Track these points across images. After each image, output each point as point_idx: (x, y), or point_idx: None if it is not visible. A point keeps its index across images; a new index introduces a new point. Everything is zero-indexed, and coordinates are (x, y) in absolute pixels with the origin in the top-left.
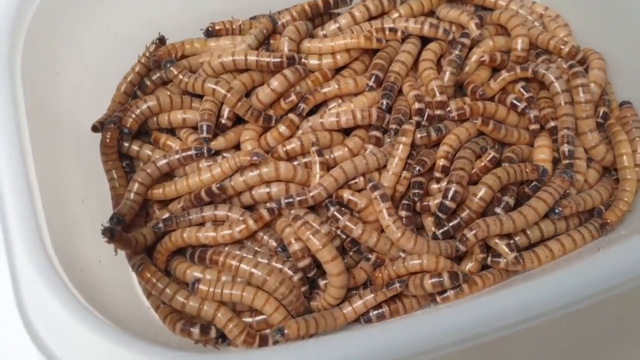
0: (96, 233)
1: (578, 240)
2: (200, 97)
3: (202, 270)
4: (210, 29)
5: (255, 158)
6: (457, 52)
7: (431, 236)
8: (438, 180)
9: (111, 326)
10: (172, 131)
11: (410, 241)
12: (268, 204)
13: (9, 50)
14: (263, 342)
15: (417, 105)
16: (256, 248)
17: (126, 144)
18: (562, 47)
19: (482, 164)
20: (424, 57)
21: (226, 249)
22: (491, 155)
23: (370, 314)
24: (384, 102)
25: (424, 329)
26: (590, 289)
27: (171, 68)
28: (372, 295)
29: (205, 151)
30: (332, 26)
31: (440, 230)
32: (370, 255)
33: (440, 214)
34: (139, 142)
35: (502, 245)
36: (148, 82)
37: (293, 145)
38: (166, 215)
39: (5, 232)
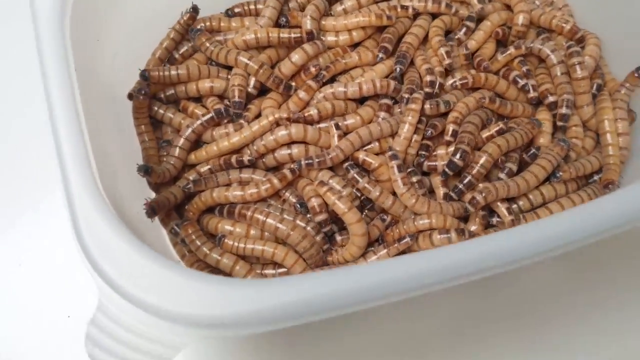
0: (133, 187)
1: (577, 201)
2: (225, 67)
3: (232, 224)
4: (229, 12)
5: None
6: (461, 33)
7: (442, 195)
8: (448, 144)
9: (154, 252)
10: (199, 101)
11: (424, 205)
12: (290, 165)
13: (60, 12)
14: None
15: (428, 78)
16: (281, 207)
17: (155, 108)
18: (564, 25)
19: (489, 133)
20: (433, 25)
21: (255, 205)
22: (499, 127)
23: None
24: (398, 67)
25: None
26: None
27: (200, 35)
28: (385, 250)
29: (224, 111)
30: (338, 7)
31: (455, 190)
32: (385, 217)
33: (447, 171)
34: (165, 107)
35: (502, 208)
36: (177, 55)
37: (311, 112)
38: (194, 176)
39: (63, 170)
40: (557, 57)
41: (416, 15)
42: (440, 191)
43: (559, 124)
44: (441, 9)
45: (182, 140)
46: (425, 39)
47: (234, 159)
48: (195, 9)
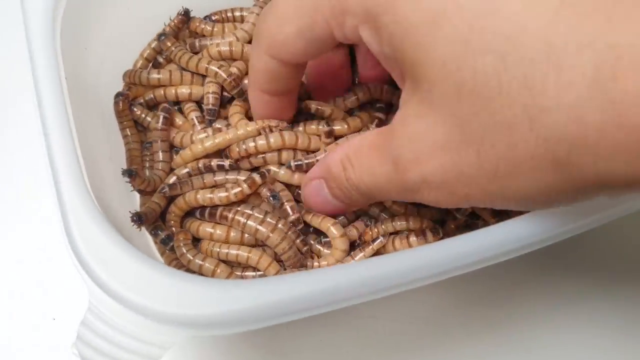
0: (119, 190)
1: None
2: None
3: (212, 226)
4: (208, 18)
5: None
6: None
7: None
8: None
9: (142, 254)
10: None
11: (401, 206)
12: (261, 169)
13: (52, 22)
14: None
15: None
16: (266, 209)
17: (137, 111)
18: None
19: None
20: None
21: (239, 208)
22: None
23: None
24: None
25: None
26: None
27: (165, 40)
28: (362, 253)
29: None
30: None
31: None
32: (369, 222)
33: None
34: (147, 111)
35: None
36: (160, 59)
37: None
38: (174, 179)
39: (55, 173)
40: None
41: None
42: None
43: None
44: None
45: (160, 154)
46: None
47: (214, 162)
48: (187, 13)
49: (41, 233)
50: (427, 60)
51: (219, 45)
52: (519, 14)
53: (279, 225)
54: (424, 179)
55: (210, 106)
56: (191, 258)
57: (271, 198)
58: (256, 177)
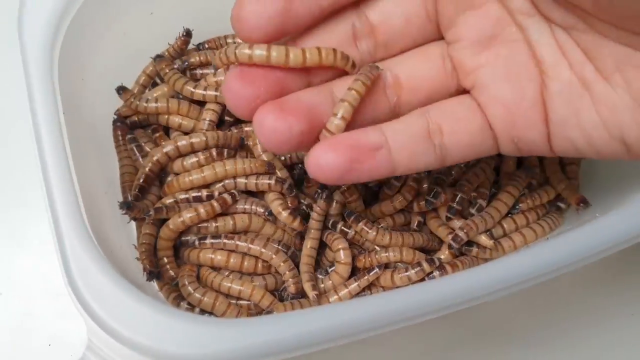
0: (116, 222)
1: (539, 232)
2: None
3: (212, 252)
4: (200, 46)
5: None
6: None
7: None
8: None
9: (142, 294)
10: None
11: (385, 237)
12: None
13: (50, 59)
14: None
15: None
16: (268, 237)
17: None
18: None
19: None
20: None
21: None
22: None
23: None
24: None
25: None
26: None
27: (160, 62)
28: (356, 283)
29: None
30: None
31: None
32: (363, 250)
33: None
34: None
35: (482, 237)
36: (159, 81)
37: None
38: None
39: (54, 214)
40: None
41: None
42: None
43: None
44: None
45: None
46: None
47: (203, 193)
48: (188, 33)
49: (36, 260)
50: None
51: (217, 75)
52: None
53: (280, 248)
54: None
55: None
56: (192, 291)
57: (267, 213)
58: (227, 197)
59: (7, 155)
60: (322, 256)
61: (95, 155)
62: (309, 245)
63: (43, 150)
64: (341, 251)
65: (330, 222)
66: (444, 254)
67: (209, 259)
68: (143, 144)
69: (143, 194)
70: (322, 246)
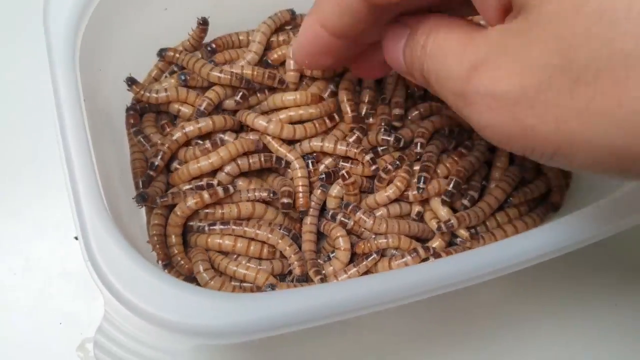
0: (129, 204)
1: (529, 223)
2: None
3: (220, 237)
4: (209, 48)
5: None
6: None
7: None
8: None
9: (156, 268)
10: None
11: (382, 225)
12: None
13: (72, 49)
14: None
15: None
16: (270, 221)
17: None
18: None
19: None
20: None
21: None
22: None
23: None
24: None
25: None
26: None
27: (168, 52)
28: (355, 269)
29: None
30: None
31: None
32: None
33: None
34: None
35: (461, 230)
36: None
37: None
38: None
39: (75, 193)
40: None
41: None
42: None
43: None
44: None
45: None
46: None
47: (204, 182)
48: (205, 22)
49: (54, 244)
50: None
51: (223, 72)
52: None
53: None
54: (492, 91)
55: (202, 108)
56: (201, 271)
57: (272, 194)
58: (219, 190)
59: (31, 149)
60: (324, 243)
61: (111, 141)
62: (307, 229)
63: (65, 130)
64: (340, 239)
65: (330, 213)
66: (436, 243)
67: (216, 244)
68: (150, 135)
69: (157, 175)
70: (322, 236)
